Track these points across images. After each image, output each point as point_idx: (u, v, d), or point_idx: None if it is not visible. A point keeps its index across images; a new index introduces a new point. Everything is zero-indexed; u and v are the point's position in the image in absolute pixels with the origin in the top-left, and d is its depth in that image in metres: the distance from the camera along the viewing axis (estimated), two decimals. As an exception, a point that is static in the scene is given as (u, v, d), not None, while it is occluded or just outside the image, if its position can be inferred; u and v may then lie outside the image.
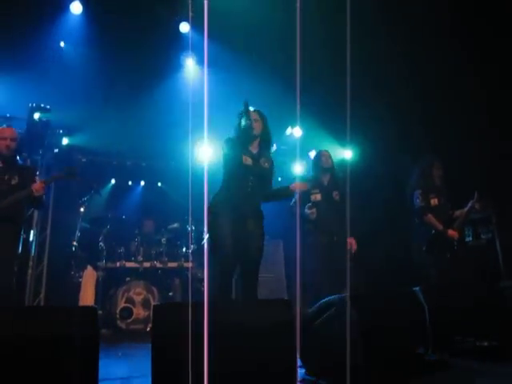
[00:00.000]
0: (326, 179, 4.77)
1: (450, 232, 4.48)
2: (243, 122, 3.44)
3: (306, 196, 4.56)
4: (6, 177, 3.75)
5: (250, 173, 3.43)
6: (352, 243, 4.61)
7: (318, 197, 4.64)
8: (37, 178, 3.94)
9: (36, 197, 3.72)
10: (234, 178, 3.44)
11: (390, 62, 5.42)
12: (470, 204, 4.53)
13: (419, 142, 5.54)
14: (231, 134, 3.55)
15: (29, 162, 5.17)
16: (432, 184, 4.64)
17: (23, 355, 2.01)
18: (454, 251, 4.47)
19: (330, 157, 4.80)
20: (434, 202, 4.58)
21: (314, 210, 4.35)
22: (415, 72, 5.47)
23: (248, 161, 3.44)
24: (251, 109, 3.52)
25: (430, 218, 4.51)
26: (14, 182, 3.76)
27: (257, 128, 3.47)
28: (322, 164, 4.76)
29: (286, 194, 3.66)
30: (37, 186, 3.68)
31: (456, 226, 4.55)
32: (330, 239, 4.53)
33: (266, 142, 3.59)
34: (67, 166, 4.19)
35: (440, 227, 4.48)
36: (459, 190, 4.78)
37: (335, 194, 4.68)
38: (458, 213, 4.65)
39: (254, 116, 3.51)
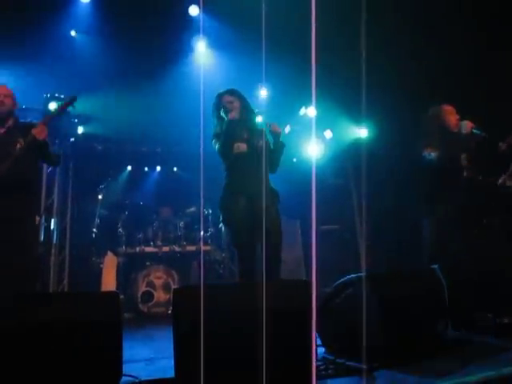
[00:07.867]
0: None
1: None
2: (221, 113, 3.37)
3: None
4: (11, 143, 3.20)
5: (247, 158, 3.33)
6: None
7: None
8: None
9: (41, 143, 3.21)
10: (233, 168, 3.37)
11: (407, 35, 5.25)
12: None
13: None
14: (215, 128, 3.46)
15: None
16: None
17: (50, 340, 2.07)
18: (482, 226, 3.92)
19: None
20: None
21: None
22: (435, 42, 5.24)
23: (241, 147, 3.34)
24: (222, 91, 3.43)
25: None
26: (19, 146, 3.19)
27: (235, 110, 3.35)
28: None
29: (276, 143, 3.46)
30: (37, 129, 3.16)
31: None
32: None
33: (250, 118, 3.43)
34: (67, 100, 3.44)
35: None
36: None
37: None
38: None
39: (228, 99, 3.40)
